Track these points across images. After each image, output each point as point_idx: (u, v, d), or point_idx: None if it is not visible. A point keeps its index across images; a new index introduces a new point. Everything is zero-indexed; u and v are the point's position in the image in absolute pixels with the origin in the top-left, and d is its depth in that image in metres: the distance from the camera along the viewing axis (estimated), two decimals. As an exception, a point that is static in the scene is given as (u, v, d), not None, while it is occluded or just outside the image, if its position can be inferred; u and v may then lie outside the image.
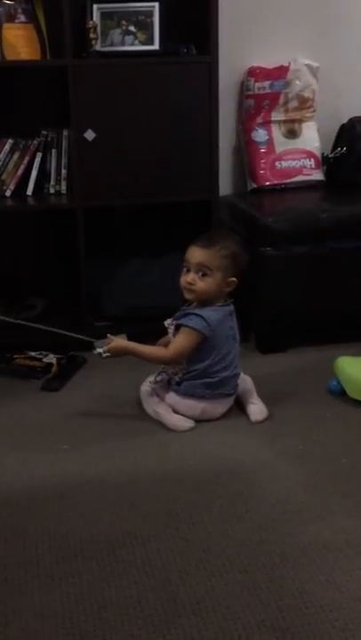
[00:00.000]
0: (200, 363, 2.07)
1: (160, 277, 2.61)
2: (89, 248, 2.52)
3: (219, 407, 2.13)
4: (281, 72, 2.79)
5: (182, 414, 2.10)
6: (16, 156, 2.55)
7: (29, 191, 2.58)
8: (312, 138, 2.91)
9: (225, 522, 1.65)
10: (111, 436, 2.06)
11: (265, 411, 2.14)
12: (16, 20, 2.43)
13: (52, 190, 2.61)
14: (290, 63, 2.79)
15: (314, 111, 2.90)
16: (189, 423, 2.09)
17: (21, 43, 2.43)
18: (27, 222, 2.74)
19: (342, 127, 2.91)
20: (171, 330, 2.13)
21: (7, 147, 2.54)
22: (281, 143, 2.87)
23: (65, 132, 2.55)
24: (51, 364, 2.48)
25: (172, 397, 2.13)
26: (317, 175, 2.91)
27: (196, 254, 2.06)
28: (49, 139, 2.57)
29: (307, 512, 1.69)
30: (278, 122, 2.87)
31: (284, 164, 2.87)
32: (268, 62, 2.81)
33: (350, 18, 2.89)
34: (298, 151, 2.89)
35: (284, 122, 2.87)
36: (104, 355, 2.56)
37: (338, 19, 2.88)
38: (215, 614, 1.37)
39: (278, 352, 2.59)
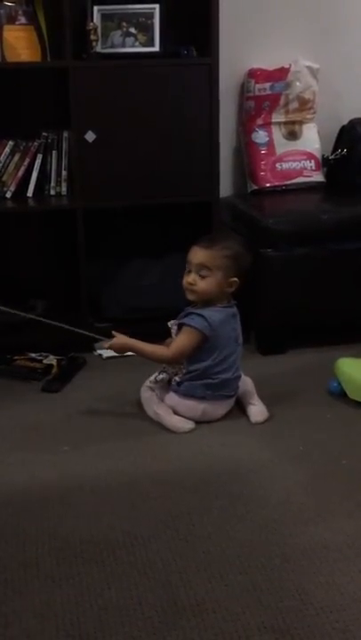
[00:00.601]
0: (200, 363, 2.07)
1: (160, 278, 2.61)
2: (89, 249, 2.52)
3: (219, 408, 2.13)
4: (281, 74, 2.79)
5: (182, 415, 2.10)
6: (17, 157, 2.55)
7: (30, 192, 2.58)
8: (312, 139, 2.91)
9: (225, 523, 1.65)
10: (111, 437, 2.06)
11: (265, 412, 2.14)
12: (17, 22, 2.43)
13: (52, 192, 2.61)
14: (290, 65, 2.79)
15: (314, 113, 2.90)
16: (190, 424, 2.09)
17: (22, 44, 2.43)
18: (27, 223, 2.74)
19: (343, 129, 2.91)
20: (174, 330, 2.13)
21: (8, 148, 2.54)
22: (281, 145, 2.87)
23: (65, 134, 2.55)
24: (51, 366, 2.48)
25: (172, 398, 2.13)
26: (318, 177, 2.91)
27: (197, 255, 2.06)
28: (49, 140, 2.57)
29: (307, 513, 1.68)
30: (279, 123, 2.87)
31: (285, 165, 2.87)
32: (269, 64, 2.81)
33: (351, 19, 2.90)
34: (298, 153, 2.89)
35: (285, 123, 2.87)
36: (105, 356, 2.58)
37: (338, 20, 2.88)
38: (215, 616, 1.37)
39: (279, 353, 2.59)
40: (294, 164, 2.88)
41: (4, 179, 2.56)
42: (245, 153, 2.91)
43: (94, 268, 2.60)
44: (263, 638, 1.31)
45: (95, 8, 2.47)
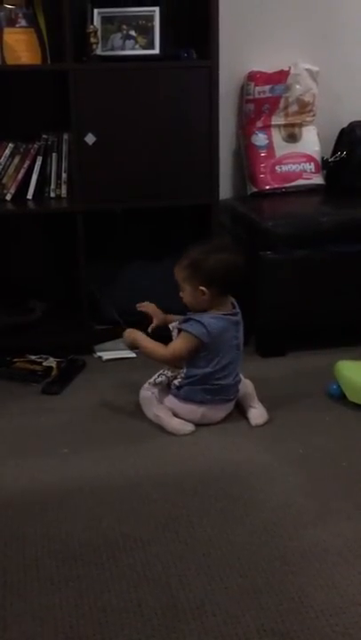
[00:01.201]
0: (200, 369, 2.07)
1: (160, 281, 2.61)
2: (89, 251, 2.52)
3: (219, 412, 2.13)
4: (281, 76, 2.80)
5: (182, 418, 2.10)
6: (16, 159, 2.55)
7: (30, 195, 2.58)
8: (312, 142, 2.91)
9: (225, 525, 1.65)
10: (111, 439, 2.05)
11: (265, 414, 2.14)
12: (17, 25, 2.43)
13: (52, 194, 2.61)
14: (290, 67, 2.80)
15: (314, 115, 2.90)
16: (189, 427, 2.09)
17: (22, 47, 2.43)
18: (27, 226, 2.74)
19: (342, 131, 2.91)
20: (174, 333, 2.13)
21: (8, 151, 2.54)
22: (281, 147, 2.88)
23: (65, 136, 2.55)
24: (51, 368, 2.48)
25: (171, 401, 2.13)
26: (317, 179, 2.92)
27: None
28: (49, 143, 2.57)
29: (307, 515, 1.68)
30: (278, 126, 2.87)
31: (285, 167, 2.87)
32: (269, 67, 2.81)
33: (350, 22, 2.90)
34: (298, 155, 2.89)
35: (285, 126, 2.88)
36: (104, 358, 2.58)
37: (338, 23, 2.89)
38: (215, 618, 1.37)
39: (278, 356, 2.59)
40: (294, 167, 2.88)
41: (4, 181, 2.56)
42: (245, 155, 2.91)
43: (94, 271, 2.60)
44: (263, 641, 1.31)
45: (95, 11, 2.47)
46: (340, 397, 2.24)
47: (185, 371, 2.10)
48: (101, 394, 2.33)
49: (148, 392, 2.17)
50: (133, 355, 2.55)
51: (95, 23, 2.46)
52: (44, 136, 2.57)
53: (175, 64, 2.48)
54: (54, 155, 2.57)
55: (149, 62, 2.47)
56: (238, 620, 1.36)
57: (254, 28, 2.81)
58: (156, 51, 2.49)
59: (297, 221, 2.53)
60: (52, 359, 2.53)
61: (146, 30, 2.49)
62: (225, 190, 2.84)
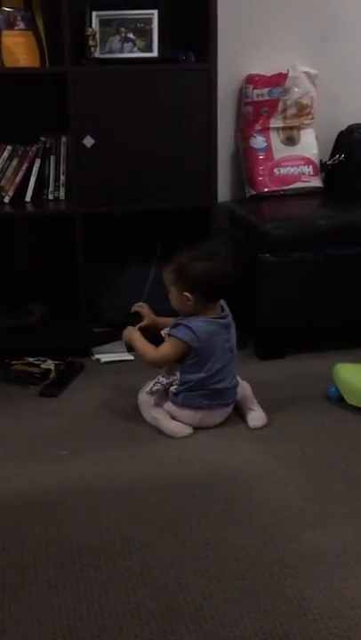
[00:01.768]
0: (193, 375, 2.07)
1: (159, 283, 2.61)
2: (87, 254, 2.52)
3: (217, 416, 2.13)
4: (279, 79, 2.80)
5: (180, 422, 2.10)
6: (15, 162, 2.55)
7: (28, 197, 2.58)
8: (310, 145, 2.92)
9: (223, 528, 1.65)
10: (109, 442, 2.05)
11: (264, 417, 2.14)
12: (15, 28, 2.43)
13: (50, 196, 2.61)
14: (288, 70, 2.80)
15: (312, 118, 2.90)
16: (188, 429, 2.09)
17: (21, 50, 2.43)
18: (25, 228, 2.74)
19: (341, 134, 2.92)
20: (166, 340, 2.13)
21: (6, 153, 2.54)
22: (279, 150, 2.88)
23: (64, 139, 2.55)
24: (49, 370, 2.48)
25: (169, 407, 2.13)
26: (316, 182, 2.92)
27: None
28: (48, 145, 2.57)
29: (305, 518, 1.68)
30: (277, 129, 2.87)
31: (283, 170, 2.88)
32: (267, 69, 2.82)
33: (349, 26, 2.90)
34: (296, 158, 2.89)
35: (283, 129, 2.88)
36: (102, 361, 2.58)
37: (336, 26, 2.89)
38: (213, 621, 1.36)
39: (277, 358, 2.59)
40: (292, 170, 2.88)
41: (3, 183, 2.56)
42: (244, 158, 2.91)
43: (92, 273, 2.60)
44: (261, 644, 1.31)
45: (94, 13, 2.48)
46: (339, 400, 2.24)
47: (179, 377, 2.09)
48: (100, 396, 2.33)
49: (146, 394, 2.17)
50: (131, 357, 2.55)
51: (94, 26, 2.47)
52: (43, 138, 2.57)
53: (174, 67, 2.48)
54: (52, 157, 2.58)
55: (148, 65, 2.47)
56: (237, 623, 1.36)
57: (253, 30, 2.81)
58: (155, 53, 2.50)
59: (295, 224, 2.53)
60: (50, 361, 2.53)
61: (144, 33, 2.50)
62: (223, 193, 2.84)
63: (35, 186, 2.58)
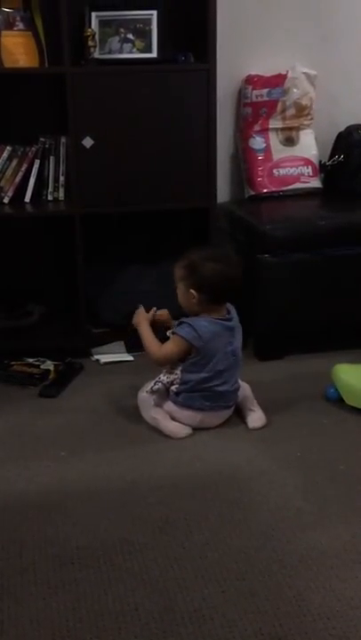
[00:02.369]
0: (195, 374, 2.07)
1: (158, 284, 2.61)
2: (87, 255, 2.52)
3: (217, 418, 2.13)
4: (279, 80, 2.80)
5: (180, 422, 2.10)
6: (14, 162, 2.55)
7: (27, 198, 2.58)
8: (310, 145, 2.92)
9: (222, 529, 1.65)
10: (109, 442, 2.05)
11: (263, 418, 2.14)
12: (14, 28, 2.43)
13: (50, 197, 2.61)
14: (287, 71, 2.80)
15: (311, 119, 2.90)
16: (187, 430, 2.09)
17: (20, 50, 2.43)
18: (25, 229, 2.74)
19: (340, 135, 2.92)
20: (171, 338, 2.13)
21: (5, 154, 2.54)
22: (278, 151, 2.88)
23: (63, 139, 2.55)
24: (48, 371, 2.48)
25: (170, 406, 2.13)
26: (315, 182, 2.92)
27: None
28: (47, 146, 2.57)
29: (304, 519, 1.68)
30: (276, 129, 2.87)
31: (282, 171, 2.88)
32: (266, 70, 2.82)
33: (348, 26, 2.90)
34: (295, 159, 2.89)
35: (282, 129, 2.88)
36: (102, 361, 2.58)
37: (335, 27, 2.89)
38: (212, 622, 1.36)
39: (276, 359, 2.59)
40: (291, 170, 2.89)
41: (2, 184, 2.55)
42: (243, 159, 2.91)
43: (91, 274, 2.60)
44: (260, 645, 1.31)
45: (93, 14, 2.48)
46: (338, 401, 2.24)
47: (180, 376, 2.10)
48: (99, 397, 2.33)
49: (146, 395, 2.17)
50: (131, 358, 2.56)
51: (93, 26, 2.46)
52: (42, 139, 2.57)
53: (173, 67, 2.48)
54: (52, 158, 2.57)
55: (147, 66, 2.47)
56: (236, 624, 1.36)
57: (252, 31, 2.81)
58: (154, 54, 2.50)
59: (295, 225, 2.54)
60: (49, 362, 2.53)
61: (144, 34, 2.50)
62: (223, 194, 2.84)
63: (34, 186, 2.58)
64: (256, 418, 2.14)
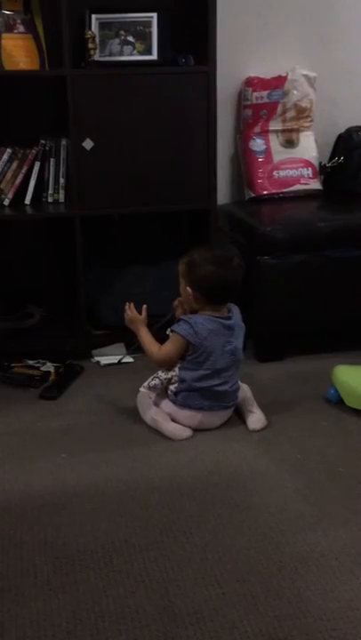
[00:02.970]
0: (191, 372, 2.07)
1: (158, 286, 2.61)
2: (87, 256, 2.53)
3: (216, 419, 2.13)
4: (279, 82, 2.81)
5: (180, 424, 2.10)
6: (15, 164, 2.55)
7: (28, 200, 2.58)
8: (310, 147, 2.92)
9: (222, 531, 1.65)
10: (109, 444, 2.05)
11: (263, 419, 2.14)
12: (15, 31, 2.44)
13: (50, 199, 2.61)
14: (287, 73, 2.80)
15: (311, 121, 2.91)
16: (187, 432, 2.09)
17: (20, 53, 2.44)
18: (25, 231, 2.74)
19: (340, 137, 2.92)
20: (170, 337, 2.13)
21: (6, 156, 2.54)
22: (279, 152, 2.88)
23: (63, 142, 2.55)
24: (48, 373, 2.48)
25: (169, 407, 2.13)
26: (315, 184, 2.92)
27: None
28: (47, 148, 2.57)
29: (304, 520, 1.68)
30: (276, 131, 2.88)
31: (282, 173, 2.88)
32: (266, 72, 2.82)
33: (347, 28, 2.91)
34: (295, 160, 2.90)
35: (282, 131, 2.89)
36: (102, 363, 2.58)
37: (335, 29, 2.90)
38: (213, 624, 1.37)
39: (276, 360, 2.59)
40: (291, 172, 2.89)
41: (2, 186, 2.56)
42: (243, 161, 2.92)
43: (92, 276, 2.60)
44: (260, 646, 1.31)
45: (93, 17, 2.48)
46: (338, 402, 2.24)
47: (178, 374, 2.10)
48: (99, 399, 2.33)
49: (145, 397, 2.17)
50: (131, 360, 2.56)
51: (93, 29, 2.47)
52: (43, 141, 2.57)
53: (173, 70, 2.48)
54: (52, 160, 2.58)
55: (147, 68, 2.48)
56: (236, 626, 1.36)
57: (252, 34, 2.82)
58: (154, 56, 2.50)
59: (295, 226, 2.54)
60: (49, 364, 2.53)
61: (144, 36, 2.50)
62: (223, 195, 2.84)
63: (34, 188, 2.58)
64: (256, 419, 2.14)
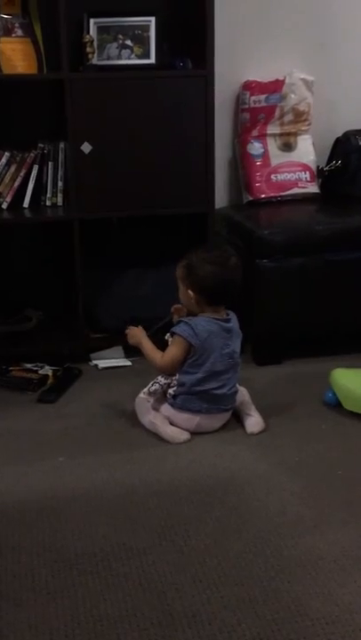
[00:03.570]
0: (191, 375, 2.07)
1: (156, 289, 2.61)
2: (85, 260, 2.53)
3: (215, 422, 2.13)
4: (276, 86, 2.81)
5: (178, 427, 2.10)
6: (13, 168, 2.56)
7: (26, 203, 2.59)
8: (307, 151, 2.92)
9: (221, 534, 1.65)
10: (107, 447, 2.05)
11: (261, 422, 2.14)
12: (13, 34, 2.45)
13: (48, 202, 2.62)
14: (285, 77, 2.81)
15: (309, 124, 2.91)
16: (185, 435, 2.09)
17: (18, 57, 2.44)
18: (23, 234, 2.74)
19: (337, 140, 2.93)
20: (170, 341, 2.13)
21: (4, 159, 2.54)
22: (276, 156, 2.89)
23: (62, 145, 2.56)
24: (47, 376, 2.48)
25: (168, 410, 2.13)
26: (313, 188, 2.92)
27: None
28: (46, 151, 2.57)
29: (303, 524, 1.68)
30: (274, 135, 2.88)
31: (280, 176, 2.88)
32: (264, 76, 2.83)
33: (345, 32, 2.92)
34: (293, 164, 2.90)
35: (280, 135, 2.89)
36: (100, 367, 2.58)
37: (333, 33, 2.91)
38: (211, 627, 1.36)
39: (274, 363, 2.59)
40: (289, 176, 2.89)
41: (1, 190, 2.56)
42: (241, 164, 2.92)
43: (90, 279, 2.60)
44: (259, 650, 1.31)
45: (91, 20, 2.49)
46: (336, 405, 2.24)
47: (177, 378, 2.10)
48: (97, 402, 2.33)
49: (143, 400, 2.17)
50: (129, 363, 2.56)
51: (91, 33, 2.48)
52: (41, 145, 2.57)
53: (171, 73, 2.49)
54: (50, 163, 2.58)
55: (145, 72, 2.48)
56: (234, 629, 1.36)
57: (250, 37, 2.82)
58: (152, 60, 2.51)
59: (292, 230, 2.54)
60: (47, 367, 2.53)
61: (142, 40, 2.51)
62: (221, 199, 2.85)
63: (33, 192, 2.59)
64: (254, 423, 2.14)
